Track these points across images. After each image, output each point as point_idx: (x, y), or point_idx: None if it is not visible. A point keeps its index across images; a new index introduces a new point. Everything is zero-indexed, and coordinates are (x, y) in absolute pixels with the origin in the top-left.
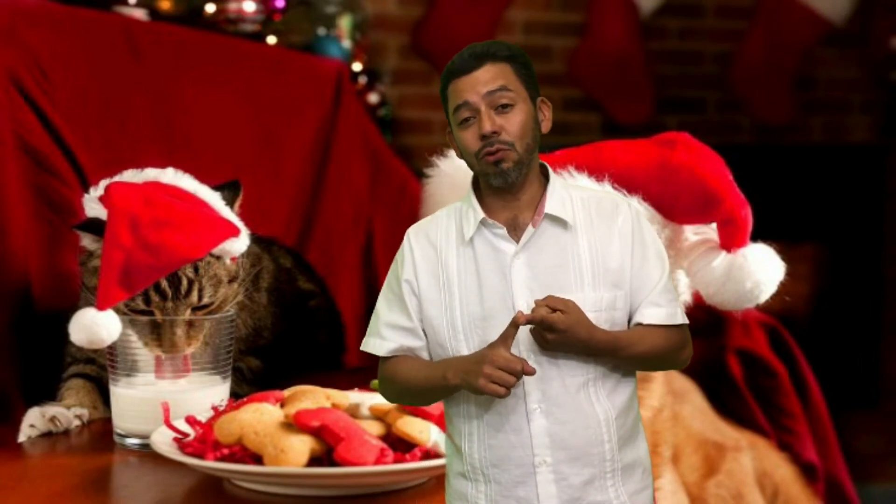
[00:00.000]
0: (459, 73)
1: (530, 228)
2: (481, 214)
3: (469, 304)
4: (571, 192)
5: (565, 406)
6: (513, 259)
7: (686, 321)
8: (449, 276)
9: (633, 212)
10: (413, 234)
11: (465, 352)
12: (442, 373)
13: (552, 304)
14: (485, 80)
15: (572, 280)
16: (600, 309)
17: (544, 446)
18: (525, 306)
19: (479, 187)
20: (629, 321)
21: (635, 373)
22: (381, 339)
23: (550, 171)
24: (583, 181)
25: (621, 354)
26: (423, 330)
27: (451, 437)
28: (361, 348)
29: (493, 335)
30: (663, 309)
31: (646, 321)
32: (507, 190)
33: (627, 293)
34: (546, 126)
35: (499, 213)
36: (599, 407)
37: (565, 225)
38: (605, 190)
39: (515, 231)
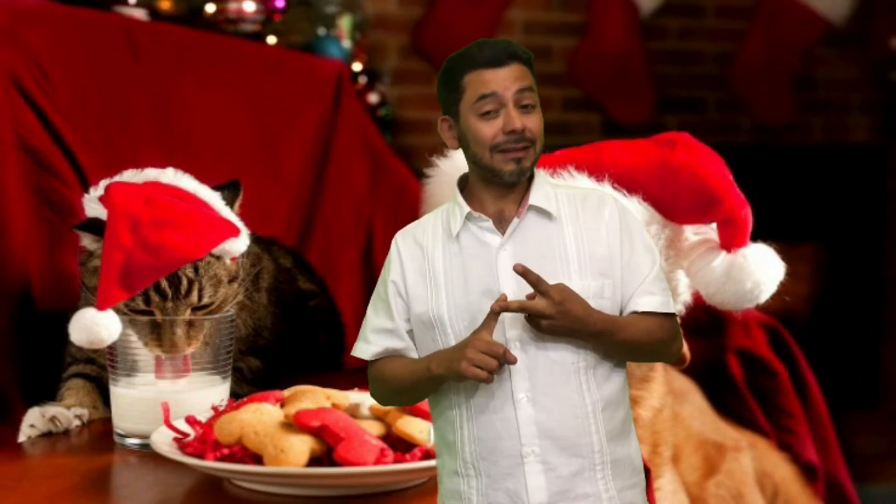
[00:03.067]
0: (488, 65)
1: (515, 220)
2: (467, 209)
3: (455, 297)
4: (557, 189)
5: (552, 395)
6: (498, 250)
7: (676, 312)
8: (435, 272)
9: (619, 206)
10: (400, 237)
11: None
12: (426, 365)
13: (539, 286)
14: (514, 77)
15: (559, 269)
16: (588, 297)
17: (532, 435)
18: (512, 296)
19: (465, 187)
20: (621, 313)
21: (625, 367)
22: (366, 344)
23: (535, 170)
24: (583, 181)
25: (618, 337)
26: (413, 330)
27: (444, 434)
28: (351, 354)
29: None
30: (657, 297)
31: (640, 309)
32: (501, 185)
33: (616, 284)
34: None
35: (485, 208)
36: (588, 397)
37: (550, 216)
38: (592, 187)
39: (501, 224)
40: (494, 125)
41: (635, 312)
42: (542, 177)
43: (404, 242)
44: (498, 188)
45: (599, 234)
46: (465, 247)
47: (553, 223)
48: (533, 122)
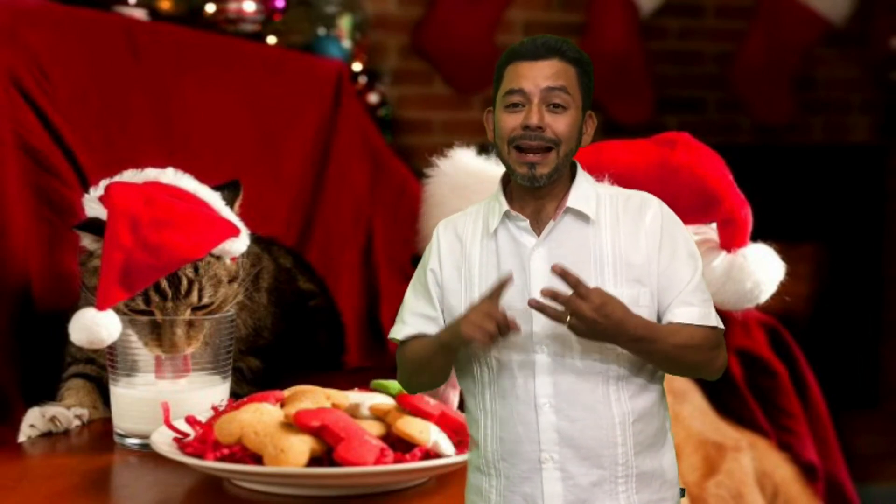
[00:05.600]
0: (524, 57)
1: (551, 222)
2: (505, 207)
3: None
4: (599, 189)
5: (577, 403)
6: (532, 252)
7: (720, 325)
8: (471, 267)
9: (663, 210)
10: (442, 227)
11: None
12: (437, 337)
13: (578, 287)
14: (546, 75)
15: (592, 275)
16: None
17: (552, 442)
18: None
19: (508, 182)
20: (659, 322)
21: (663, 379)
22: (403, 325)
23: (578, 167)
24: None
25: (658, 346)
26: (445, 321)
27: (471, 430)
28: (388, 337)
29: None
30: (696, 308)
31: (676, 320)
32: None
33: (653, 291)
34: (585, 141)
35: (524, 207)
36: (617, 408)
37: (587, 219)
38: (637, 191)
39: (538, 224)
40: (516, 119)
41: (671, 324)
42: (583, 176)
43: (445, 233)
44: (535, 188)
45: (638, 240)
46: (501, 245)
47: (590, 227)
48: (559, 123)
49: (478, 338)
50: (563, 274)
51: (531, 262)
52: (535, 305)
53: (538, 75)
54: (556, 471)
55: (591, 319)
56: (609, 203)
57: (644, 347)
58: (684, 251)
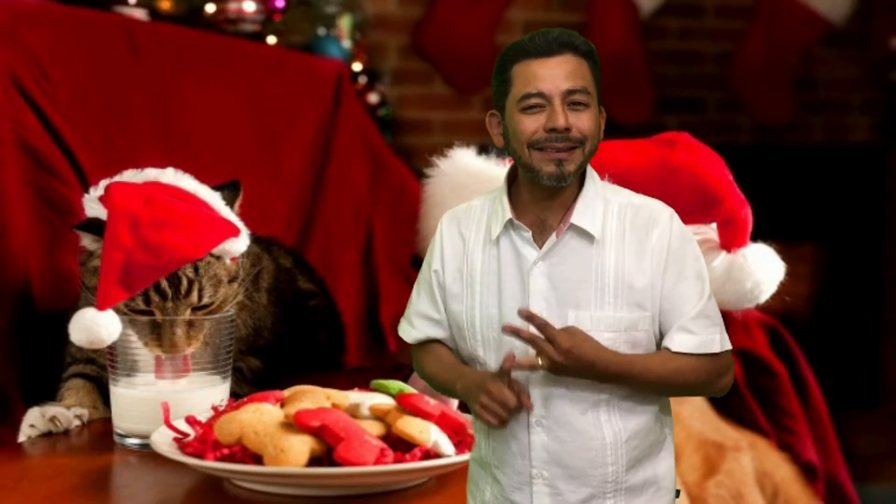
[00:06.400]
0: (536, 54)
1: (553, 237)
2: (509, 215)
3: (488, 307)
4: (609, 196)
5: (567, 426)
6: (532, 267)
7: (727, 347)
8: (472, 273)
9: (673, 227)
10: (446, 221)
11: (480, 353)
12: (454, 382)
13: (545, 330)
14: (564, 74)
15: (592, 297)
16: (619, 329)
17: (542, 460)
18: (539, 314)
19: (513, 180)
20: (659, 345)
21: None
22: (410, 327)
23: (589, 174)
24: None
25: (641, 379)
26: (448, 323)
27: (475, 426)
28: (397, 332)
29: (508, 341)
30: (696, 336)
31: (674, 348)
32: (544, 187)
33: (654, 315)
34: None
35: (528, 214)
36: (609, 429)
37: (592, 238)
38: (649, 200)
39: (542, 235)
40: (537, 120)
41: (669, 350)
42: (592, 185)
43: (449, 229)
44: (542, 191)
45: (643, 261)
46: (502, 252)
47: (594, 246)
48: (582, 121)
49: (492, 423)
50: (529, 318)
51: (531, 276)
52: (508, 366)
53: (555, 75)
54: (546, 486)
55: (558, 363)
56: (617, 216)
57: (622, 382)
58: (692, 273)
